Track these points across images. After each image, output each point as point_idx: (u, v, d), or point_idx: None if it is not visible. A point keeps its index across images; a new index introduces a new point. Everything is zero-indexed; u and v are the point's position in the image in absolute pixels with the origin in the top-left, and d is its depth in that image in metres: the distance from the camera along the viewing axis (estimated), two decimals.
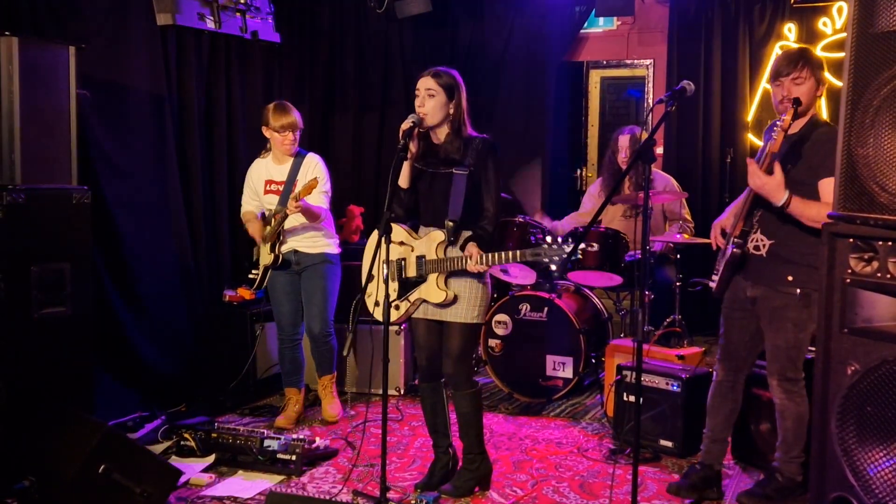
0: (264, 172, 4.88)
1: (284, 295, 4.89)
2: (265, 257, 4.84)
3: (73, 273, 3.97)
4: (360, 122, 7.20)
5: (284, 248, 4.80)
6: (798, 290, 3.49)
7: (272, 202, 4.81)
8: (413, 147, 3.64)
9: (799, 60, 3.48)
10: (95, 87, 4.73)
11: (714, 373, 3.86)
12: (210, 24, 5.19)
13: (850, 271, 2.78)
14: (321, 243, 4.85)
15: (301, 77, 6.67)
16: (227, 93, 5.86)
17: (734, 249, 3.56)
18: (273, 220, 4.77)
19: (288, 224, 4.74)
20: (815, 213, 3.31)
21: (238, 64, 5.94)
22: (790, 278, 3.50)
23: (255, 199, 4.94)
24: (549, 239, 3.40)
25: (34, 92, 3.88)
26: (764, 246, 3.54)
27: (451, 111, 3.65)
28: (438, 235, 3.68)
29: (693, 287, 5.43)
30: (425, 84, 3.64)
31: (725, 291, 3.74)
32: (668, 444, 4.33)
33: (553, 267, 5.23)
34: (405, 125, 3.57)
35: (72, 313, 3.96)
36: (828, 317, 2.84)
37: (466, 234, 3.69)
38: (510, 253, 3.52)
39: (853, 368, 2.73)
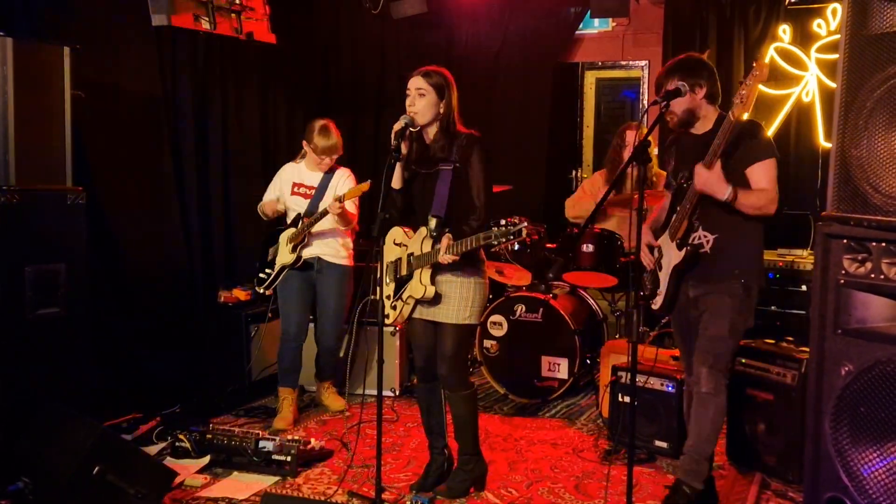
0: (296, 175, 5.00)
1: (298, 295, 4.97)
2: (285, 256, 4.91)
3: (68, 274, 3.96)
4: (356, 122, 7.19)
5: (308, 254, 4.91)
6: (742, 281, 3.50)
7: (298, 204, 4.93)
8: (405, 148, 3.65)
9: (665, 76, 3.52)
10: (90, 88, 4.71)
11: (685, 384, 3.84)
12: (205, 25, 5.18)
13: (843, 272, 2.79)
14: (343, 254, 5.00)
15: (296, 78, 6.67)
16: (222, 94, 5.85)
17: (687, 249, 3.53)
18: (302, 222, 4.86)
19: (316, 228, 4.84)
20: (755, 200, 3.38)
21: (233, 65, 5.94)
22: (736, 271, 3.51)
23: (278, 196, 5.05)
24: (502, 221, 3.39)
25: (29, 93, 3.87)
26: (708, 242, 3.53)
27: (442, 110, 3.66)
28: (424, 231, 3.69)
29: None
30: (415, 84, 3.65)
31: (674, 304, 3.69)
32: (664, 444, 4.33)
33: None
34: (397, 126, 3.58)
35: (66, 314, 3.95)
36: (822, 318, 2.85)
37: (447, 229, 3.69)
38: (467, 240, 3.45)
39: (847, 369, 2.74)
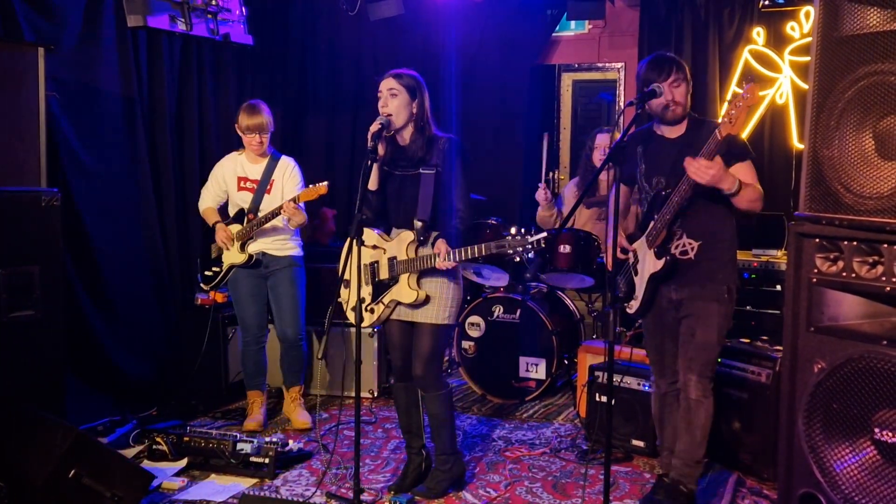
0: (238, 169, 4.84)
1: (251, 297, 4.86)
2: (235, 256, 4.77)
3: (43, 276, 3.92)
4: (332, 124, 7.18)
5: (253, 248, 4.77)
6: (725, 287, 3.53)
7: (245, 199, 4.79)
8: (381, 149, 3.66)
9: (672, 64, 3.46)
10: (65, 89, 4.70)
11: (653, 386, 3.85)
12: (181, 27, 5.16)
13: (816, 271, 2.83)
14: (288, 246, 4.84)
15: (273, 79, 6.66)
16: (198, 95, 5.83)
17: (667, 258, 3.52)
18: (247, 219, 4.74)
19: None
20: (752, 193, 3.39)
21: (210, 66, 5.92)
22: (720, 275, 3.54)
23: (220, 195, 4.89)
24: (512, 230, 3.40)
25: (3, 94, 3.85)
26: (693, 249, 3.54)
27: (415, 111, 3.68)
28: (408, 236, 3.69)
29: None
30: (387, 85, 3.67)
31: (649, 309, 3.70)
32: (640, 443, 4.36)
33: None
34: (373, 127, 3.59)
35: (41, 317, 3.91)
36: (795, 315, 2.88)
37: (436, 233, 3.70)
38: (476, 247, 3.50)
39: (820, 366, 2.78)
